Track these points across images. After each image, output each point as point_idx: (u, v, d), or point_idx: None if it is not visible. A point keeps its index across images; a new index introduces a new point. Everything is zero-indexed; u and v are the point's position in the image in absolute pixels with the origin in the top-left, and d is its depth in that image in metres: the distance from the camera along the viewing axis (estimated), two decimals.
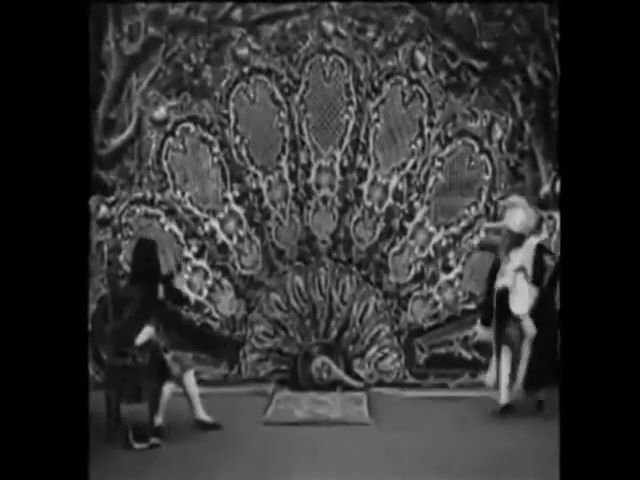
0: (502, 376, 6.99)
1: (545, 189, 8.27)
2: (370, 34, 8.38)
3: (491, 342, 7.11)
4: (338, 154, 8.17)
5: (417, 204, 8.13)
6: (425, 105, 8.15)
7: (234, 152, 8.16)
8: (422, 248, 8.13)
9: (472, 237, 8.11)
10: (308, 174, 8.17)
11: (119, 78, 8.48)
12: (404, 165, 8.14)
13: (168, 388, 6.39)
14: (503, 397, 6.96)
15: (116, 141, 8.43)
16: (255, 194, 8.16)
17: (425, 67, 8.18)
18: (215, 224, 8.13)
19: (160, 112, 8.17)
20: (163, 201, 8.12)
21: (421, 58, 8.18)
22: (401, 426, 6.78)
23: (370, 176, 8.15)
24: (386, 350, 8.08)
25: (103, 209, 8.05)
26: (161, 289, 6.72)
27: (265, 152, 8.17)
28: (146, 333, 6.39)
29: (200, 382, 6.82)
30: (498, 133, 8.17)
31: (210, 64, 8.36)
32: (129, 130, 8.43)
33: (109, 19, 8.41)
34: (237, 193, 8.17)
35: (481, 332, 7.30)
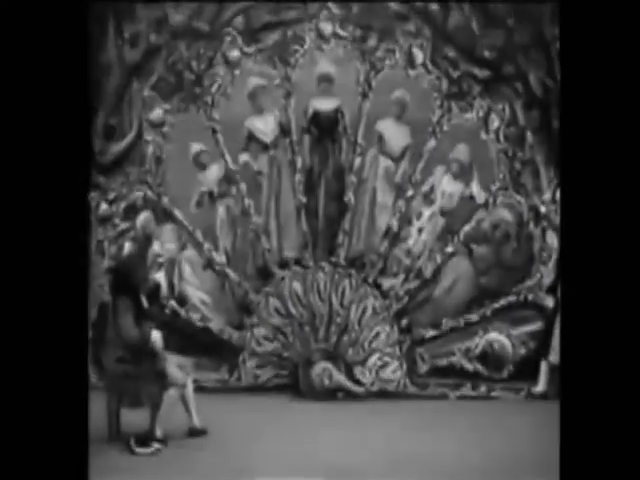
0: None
1: (546, 196, 8.27)
2: (371, 42, 8.40)
3: None
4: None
5: (416, 206, 8.14)
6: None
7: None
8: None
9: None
10: (307, 177, 8.16)
11: (120, 85, 8.49)
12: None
13: (169, 394, 6.35)
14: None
15: (116, 147, 8.44)
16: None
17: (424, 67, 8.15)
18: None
19: (157, 113, 8.09)
20: (162, 207, 8.10)
21: (419, 60, 8.14)
22: (402, 430, 6.76)
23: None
24: (387, 359, 8.03)
25: (101, 210, 8.03)
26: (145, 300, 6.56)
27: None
28: (156, 337, 6.31)
29: (200, 388, 6.79)
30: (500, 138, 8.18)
31: (210, 70, 8.37)
32: (130, 136, 8.44)
33: (110, 26, 8.43)
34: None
35: None
